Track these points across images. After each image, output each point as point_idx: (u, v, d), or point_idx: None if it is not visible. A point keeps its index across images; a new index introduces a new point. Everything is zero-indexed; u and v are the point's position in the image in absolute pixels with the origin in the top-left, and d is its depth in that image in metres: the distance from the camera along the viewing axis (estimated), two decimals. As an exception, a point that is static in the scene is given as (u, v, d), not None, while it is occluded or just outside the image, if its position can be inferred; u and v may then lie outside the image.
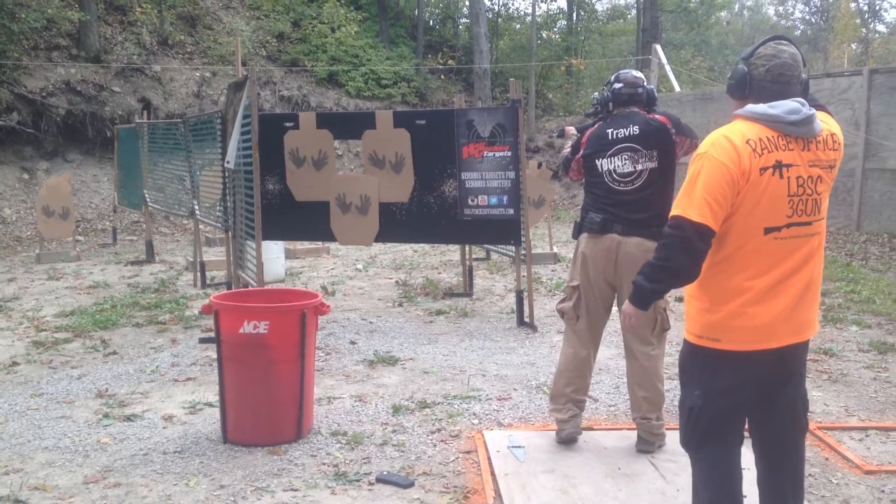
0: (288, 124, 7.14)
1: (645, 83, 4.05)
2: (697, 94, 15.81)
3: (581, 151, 4.08)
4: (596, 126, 4.07)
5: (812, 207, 2.58)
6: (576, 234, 4.09)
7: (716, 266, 2.61)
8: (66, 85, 15.30)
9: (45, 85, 15.03)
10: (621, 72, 4.11)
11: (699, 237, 2.51)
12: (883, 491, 3.58)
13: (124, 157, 12.60)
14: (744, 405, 2.71)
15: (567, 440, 4.02)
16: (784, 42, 2.62)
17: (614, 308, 4.10)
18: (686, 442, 2.79)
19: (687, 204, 2.53)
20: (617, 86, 4.02)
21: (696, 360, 2.72)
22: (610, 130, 3.97)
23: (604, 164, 3.95)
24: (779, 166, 2.51)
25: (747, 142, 2.51)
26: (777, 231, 2.54)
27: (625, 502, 3.43)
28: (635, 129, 3.91)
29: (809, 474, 3.67)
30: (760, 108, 2.55)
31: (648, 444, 3.94)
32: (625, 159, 3.90)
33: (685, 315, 2.77)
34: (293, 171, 7.14)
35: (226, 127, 7.28)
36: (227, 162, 6.49)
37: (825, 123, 2.62)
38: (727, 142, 2.53)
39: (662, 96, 17.08)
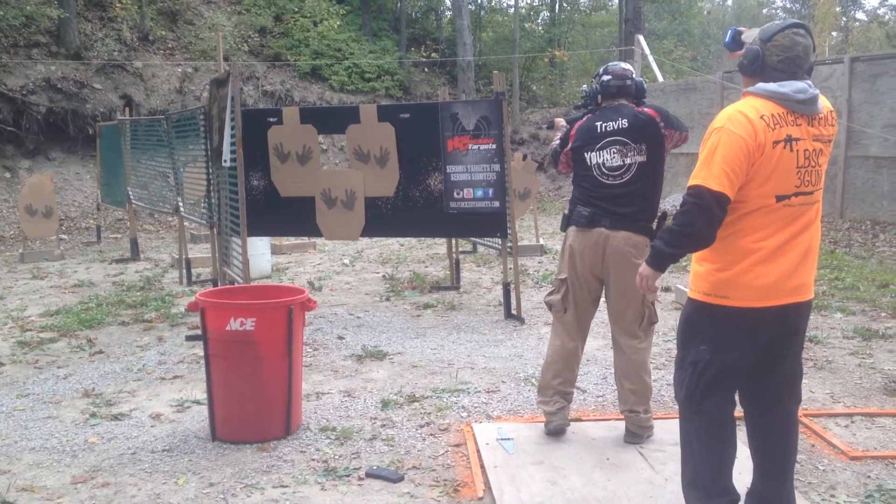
0: (271, 120, 7.12)
1: (633, 75, 4.04)
2: (681, 84, 15.86)
3: (570, 144, 4.08)
4: (585, 119, 4.07)
5: (815, 178, 2.79)
6: (564, 227, 4.09)
7: (728, 229, 2.76)
8: (47, 82, 15.18)
9: (25, 83, 14.89)
10: (610, 64, 4.11)
11: (718, 205, 2.67)
12: (869, 476, 3.62)
13: (107, 154, 12.50)
14: (746, 362, 2.85)
15: (555, 432, 4.04)
16: (801, 33, 2.76)
17: (602, 300, 4.12)
18: (688, 395, 2.88)
19: (707, 174, 2.68)
20: (605, 78, 4.01)
21: (702, 317, 2.86)
22: (599, 123, 3.95)
23: (592, 157, 3.94)
24: (789, 140, 2.71)
25: (761, 117, 2.70)
26: (787, 199, 2.74)
27: (613, 492, 3.45)
28: (624, 123, 3.90)
29: (796, 461, 3.70)
30: (772, 86, 2.74)
31: (636, 436, 3.96)
32: (613, 153, 3.89)
33: (693, 276, 2.91)
34: (277, 166, 7.11)
35: (210, 123, 7.24)
36: (225, 161, 6.45)
37: (823, 102, 2.80)
38: (743, 117, 2.70)
39: (646, 86, 17.11)
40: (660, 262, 2.90)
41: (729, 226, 2.75)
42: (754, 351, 2.84)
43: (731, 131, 2.67)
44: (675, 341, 5.90)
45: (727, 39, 2.95)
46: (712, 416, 2.86)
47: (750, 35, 2.86)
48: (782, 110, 2.71)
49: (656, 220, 3.88)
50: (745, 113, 2.69)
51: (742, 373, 2.87)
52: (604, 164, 3.91)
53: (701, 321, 2.87)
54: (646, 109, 3.96)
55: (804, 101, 2.72)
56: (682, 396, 2.93)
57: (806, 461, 3.77)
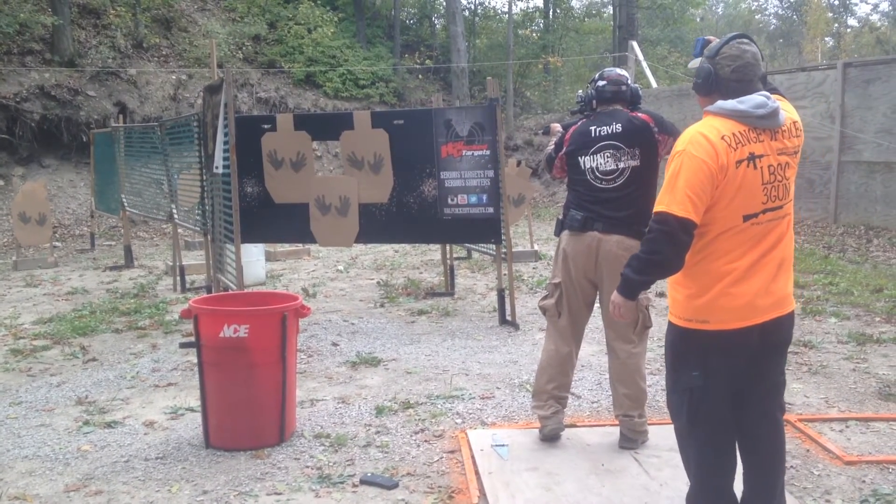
0: (265, 126, 7.12)
1: (629, 81, 4.06)
2: (674, 90, 15.90)
3: (564, 149, 4.08)
4: (580, 123, 4.07)
5: (783, 192, 2.75)
6: (557, 231, 4.09)
7: (699, 254, 2.74)
8: (41, 90, 15.16)
9: (18, 90, 14.87)
10: (605, 70, 4.13)
11: (683, 230, 2.65)
12: (864, 481, 3.61)
13: (101, 161, 12.49)
14: (737, 381, 2.84)
15: (549, 437, 4.03)
16: (745, 41, 2.77)
17: (596, 305, 4.12)
18: (690, 421, 2.85)
19: (670, 200, 2.66)
20: (601, 83, 4.03)
21: (687, 343, 2.84)
22: (593, 128, 3.96)
23: (586, 161, 3.94)
24: (752, 158, 2.67)
25: (722, 137, 2.66)
26: (754, 217, 2.70)
27: (608, 498, 3.44)
28: (618, 127, 3.90)
29: (791, 466, 3.70)
30: (730, 104, 2.70)
31: (631, 441, 3.95)
32: (607, 157, 3.89)
33: (671, 302, 2.91)
34: (272, 173, 7.11)
35: (204, 130, 7.23)
36: (217, 168, 6.45)
37: (786, 112, 2.77)
38: (703, 139, 2.66)
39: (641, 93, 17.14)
40: (630, 290, 2.87)
41: (699, 250, 2.73)
42: (742, 368, 2.83)
43: (692, 155, 2.64)
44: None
45: (697, 50, 2.94)
46: (713, 440, 2.85)
47: (695, 63, 2.88)
48: (743, 128, 2.68)
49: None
50: (705, 135, 2.66)
51: (734, 390, 2.86)
52: (597, 168, 3.92)
53: (687, 347, 2.85)
54: (640, 115, 3.98)
55: (764, 116, 2.68)
56: (682, 422, 2.90)
57: (801, 466, 3.77)
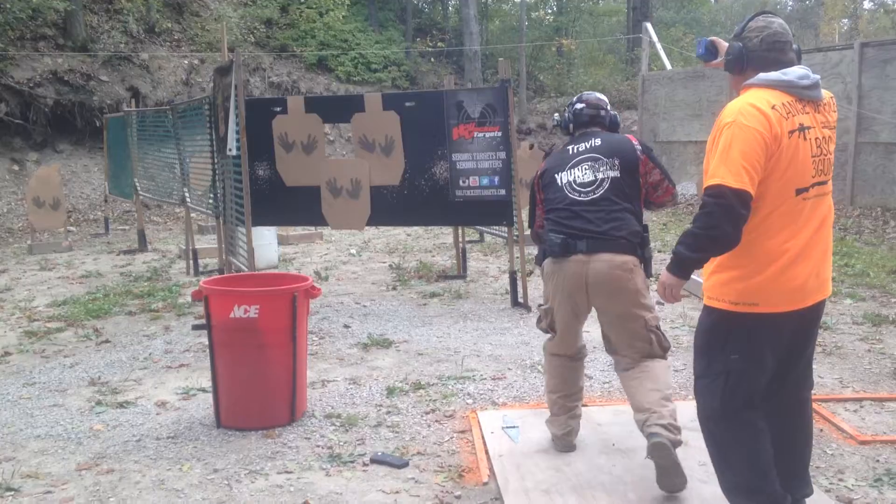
0: (276, 109, 7.09)
1: (608, 107, 3.82)
2: (689, 72, 15.74)
3: (539, 171, 3.79)
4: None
5: (827, 167, 2.70)
6: (540, 261, 3.72)
7: (752, 231, 2.62)
8: (54, 75, 15.19)
9: (32, 75, 14.91)
10: (584, 93, 3.88)
11: (741, 203, 2.53)
12: (878, 461, 3.58)
13: (114, 146, 12.52)
14: (775, 364, 2.76)
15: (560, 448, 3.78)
16: (771, 14, 2.74)
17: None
18: (724, 406, 2.73)
19: (725, 172, 2.55)
20: (578, 106, 3.79)
21: (730, 326, 2.71)
22: (571, 147, 3.71)
23: (563, 176, 3.62)
24: (802, 129, 2.61)
25: (773, 107, 2.58)
26: (805, 191, 2.63)
27: (619, 477, 3.43)
28: (597, 142, 3.64)
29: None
30: (774, 74, 2.64)
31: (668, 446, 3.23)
32: (585, 169, 3.58)
33: (712, 285, 2.74)
34: (282, 156, 7.09)
35: (215, 113, 7.22)
36: (230, 150, 6.44)
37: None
38: (754, 109, 2.57)
39: (654, 74, 16.99)
40: (684, 269, 2.71)
41: (752, 227, 2.61)
42: (782, 351, 2.75)
43: (744, 125, 2.54)
44: (681, 328, 5.88)
45: (701, 51, 2.88)
46: (751, 424, 2.74)
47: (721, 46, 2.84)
48: (790, 98, 2.61)
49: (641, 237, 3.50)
50: (755, 105, 2.57)
51: (770, 374, 2.77)
52: (574, 180, 3.58)
53: (729, 331, 2.72)
54: (626, 135, 3.74)
55: (809, 87, 2.63)
56: (715, 406, 2.76)
57: (814, 445, 3.72)
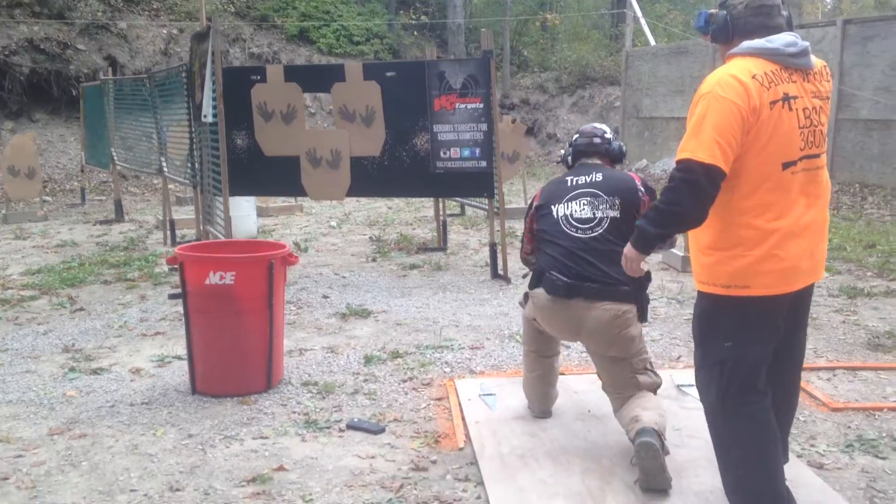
0: (255, 77, 6.99)
1: (605, 134, 3.68)
2: (672, 48, 15.72)
3: (534, 203, 3.64)
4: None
5: (819, 139, 2.58)
6: (533, 285, 3.50)
7: (738, 209, 2.52)
8: (30, 43, 14.91)
9: (7, 43, 14.63)
10: (583, 126, 3.80)
11: (709, 180, 2.42)
12: (849, 427, 3.62)
13: (91, 115, 12.34)
14: (772, 348, 2.65)
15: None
16: None
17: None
18: (720, 398, 2.62)
19: (696, 145, 2.44)
20: (575, 137, 3.72)
21: (722, 311, 2.62)
22: (570, 178, 3.57)
23: (560, 209, 3.46)
24: (787, 98, 2.48)
25: (753, 77, 2.46)
26: (793, 165, 2.51)
27: (594, 441, 3.44)
28: (598, 176, 3.49)
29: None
30: (758, 42, 2.53)
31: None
32: (583, 204, 3.42)
33: (701, 268, 2.64)
34: (262, 125, 7.00)
35: (192, 80, 7.12)
36: (205, 116, 6.35)
37: (815, 58, 2.63)
38: (733, 79, 2.46)
39: (638, 50, 16.95)
40: (645, 244, 2.65)
41: (738, 204, 2.51)
42: (777, 334, 2.65)
43: (720, 96, 2.43)
44: (659, 300, 5.89)
45: (700, 23, 2.73)
46: (752, 415, 2.60)
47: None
48: (775, 67, 2.49)
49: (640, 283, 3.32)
50: (734, 75, 2.46)
51: (769, 359, 2.65)
52: (571, 214, 3.42)
53: (721, 316, 2.62)
54: (629, 172, 3.68)
55: (795, 55, 2.51)
56: (712, 399, 2.66)
57: (787, 414, 3.77)
